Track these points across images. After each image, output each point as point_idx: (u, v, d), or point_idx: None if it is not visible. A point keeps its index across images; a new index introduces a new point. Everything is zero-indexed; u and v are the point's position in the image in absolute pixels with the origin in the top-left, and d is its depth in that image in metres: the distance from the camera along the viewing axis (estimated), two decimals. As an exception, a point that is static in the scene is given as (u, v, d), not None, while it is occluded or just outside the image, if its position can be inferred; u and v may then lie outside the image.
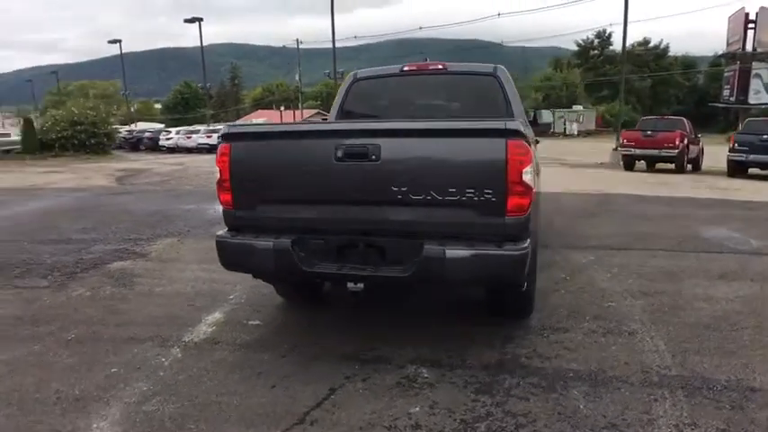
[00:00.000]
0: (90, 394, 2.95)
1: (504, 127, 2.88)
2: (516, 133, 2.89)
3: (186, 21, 38.82)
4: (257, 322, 3.98)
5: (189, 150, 33.87)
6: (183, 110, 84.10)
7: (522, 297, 3.62)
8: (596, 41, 60.60)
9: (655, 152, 15.31)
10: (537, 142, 5.88)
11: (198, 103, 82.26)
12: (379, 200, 3.05)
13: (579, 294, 4.47)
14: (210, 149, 32.00)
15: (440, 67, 4.81)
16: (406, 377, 3.07)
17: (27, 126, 24.44)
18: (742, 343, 3.50)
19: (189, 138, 35.36)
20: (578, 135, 44.62)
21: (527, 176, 2.92)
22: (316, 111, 68.22)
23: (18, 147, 24.26)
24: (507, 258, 2.92)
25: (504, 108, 4.54)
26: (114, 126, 27.26)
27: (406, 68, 4.85)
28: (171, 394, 2.94)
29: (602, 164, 19.09)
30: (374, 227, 3.12)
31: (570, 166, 18.71)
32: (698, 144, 16.82)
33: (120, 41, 47.72)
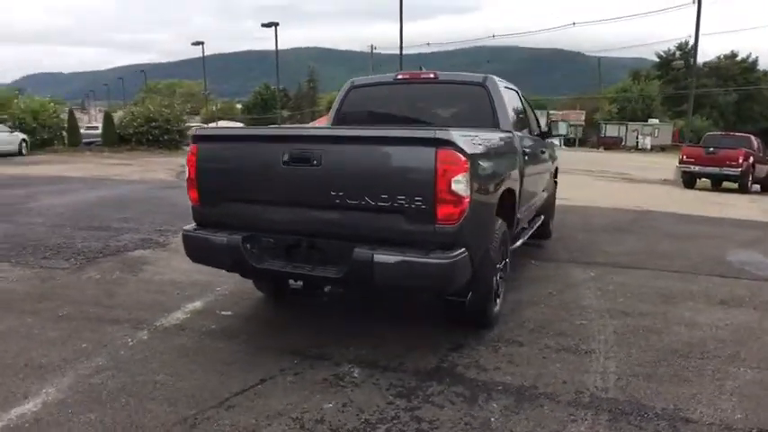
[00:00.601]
0: (53, 364, 3.29)
1: (434, 136, 2.93)
2: (447, 143, 2.93)
3: (263, 25, 40.45)
4: (229, 313, 4.22)
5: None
6: (261, 110, 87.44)
7: (471, 307, 3.63)
8: (678, 53, 57.21)
9: (716, 170, 14.34)
10: (542, 152, 5.81)
11: (275, 104, 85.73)
12: (320, 203, 3.19)
13: (556, 310, 4.38)
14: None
15: (431, 75, 4.87)
16: (336, 375, 3.18)
17: (107, 121, 26.51)
18: (703, 372, 3.32)
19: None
20: (651, 150, 42.32)
21: (457, 186, 2.95)
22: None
23: (100, 140, 26.38)
24: (433, 266, 2.97)
25: (490, 117, 4.54)
26: (188, 124, 28.88)
27: (399, 77, 4.96)
28: (120, 371, 3.21)
29: (665, 180, 18.09)
30: (316, 229, 3.26)
31: (630, 181, 17.90)
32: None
33: (202, 43, 50.71)
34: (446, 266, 2.97)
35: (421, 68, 5.29)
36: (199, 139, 3.58)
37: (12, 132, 21.28)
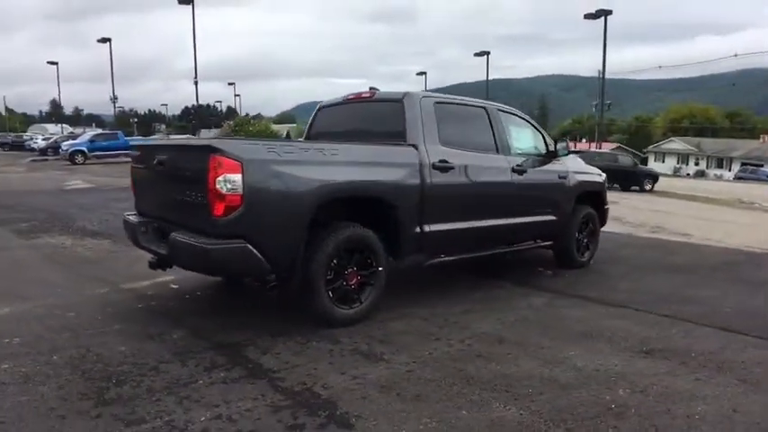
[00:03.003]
0: (28, 297, 4.81)
1: (207, 144, 3.58)
2: (217, 150, 3.55)
3: (476, 54, 41.96)
4: (177, 287, 5.29)
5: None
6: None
7: (299, 300, 4.10)
8: None
9: None
10: (521, 172, 5.50)
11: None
12: (168, 197, 4.08)
13: (431, 327, 4.27)
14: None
15: (367, 95, 5.27)
16: (163, 335, 3.95)
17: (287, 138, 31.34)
18: (455, 399, 3.10)
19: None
20: None
21: (223, 185, 3.54)
22: (617, 145, 63.84)
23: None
24: (201, 250, 3.59)
25: (402, 130, 4.76)
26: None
27: (349, 97, 5.47)
28: (56, 307, 4.55)
29: None
30: (169, 217, 4.15)
31: None
32: None
33: (425, 73, 54.51)
34: (210, 251, 3.57)
35: (370, 88, 5.63)
36: (134, 148, 4.80)
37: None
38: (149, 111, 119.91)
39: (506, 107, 6.02)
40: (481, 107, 5.55)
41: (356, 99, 5.39)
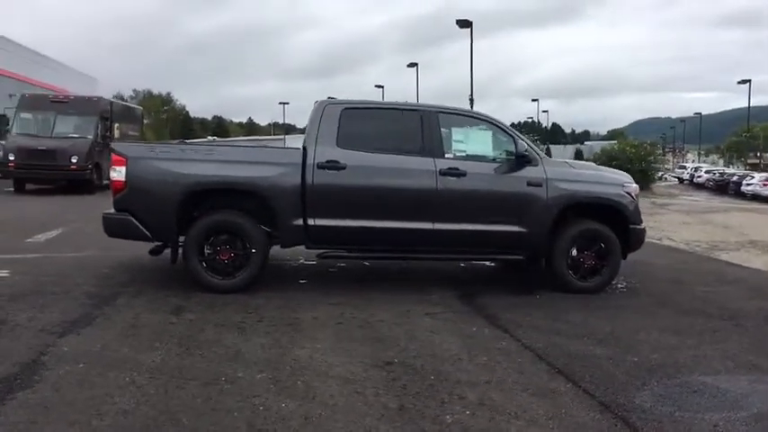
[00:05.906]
0: (84, 247, 7.00)
1: (110, 144, 5.14)
2: (112, 149, 5.17)
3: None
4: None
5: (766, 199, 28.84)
6: None
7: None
8: None
9: None
10: (458, 175, 5.32)
11: None
12: None
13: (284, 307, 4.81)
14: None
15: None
16: (102, 279, 5.57)
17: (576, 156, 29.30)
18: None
19: (765, 185, 30.89)
20: None
21: (112, 173, 5.09)
22: None
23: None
24: (103, 218, 5.23)
25: (312, 132, 5.31)
26: (657, 164, 28.08)
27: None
28: (87, 256, 6.53)
29: None
30: None
31: None
32: None
33: (749, 81, 45.00)
34: (107, 219, 5.15)
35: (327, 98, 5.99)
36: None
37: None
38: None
39: (464, 110, 5.77)
40: (414, 111, 5.55)
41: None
